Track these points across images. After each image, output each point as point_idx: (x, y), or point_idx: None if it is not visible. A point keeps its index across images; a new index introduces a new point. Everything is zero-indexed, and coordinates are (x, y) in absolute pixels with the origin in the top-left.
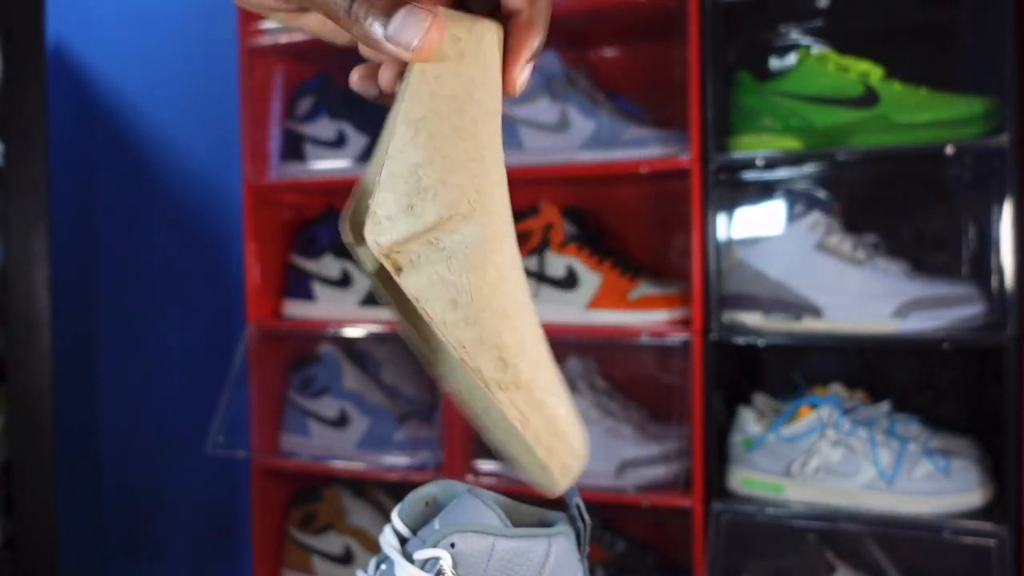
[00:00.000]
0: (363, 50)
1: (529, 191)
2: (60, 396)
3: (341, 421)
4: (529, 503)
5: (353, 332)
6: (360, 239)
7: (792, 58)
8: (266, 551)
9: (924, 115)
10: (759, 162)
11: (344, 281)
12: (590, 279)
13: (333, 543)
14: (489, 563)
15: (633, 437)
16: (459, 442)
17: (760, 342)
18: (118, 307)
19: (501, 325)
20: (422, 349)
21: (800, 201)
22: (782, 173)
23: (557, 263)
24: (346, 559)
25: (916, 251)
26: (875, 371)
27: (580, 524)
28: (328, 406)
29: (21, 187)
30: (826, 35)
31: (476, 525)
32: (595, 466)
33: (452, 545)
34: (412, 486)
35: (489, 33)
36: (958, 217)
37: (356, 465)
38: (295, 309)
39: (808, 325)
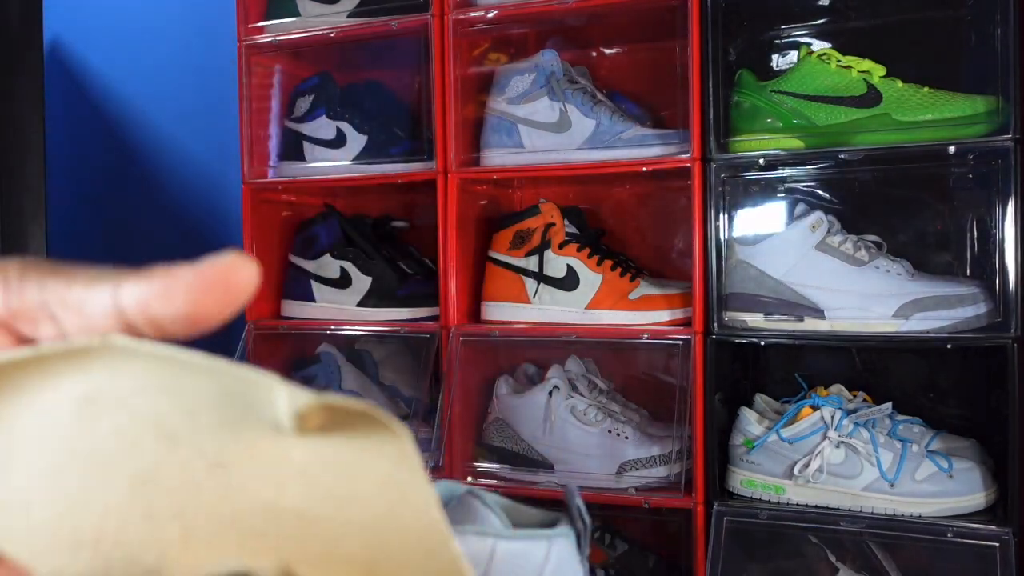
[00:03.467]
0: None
1: (529, 191)
2: None
3: None
4: (529, 504)
5: (352, 332)
6: None
7: (793, 57)
8: None
9: (926, 114)
10: (760, 162)
11: (343, 281)
12: (590, 279)
13: None
14: (489, 565)
15: (633, 438)
16: (459, 443)
17: (761, 342)
18: None
19: None
20: None
21: (802, 201)
22: (783, 173)
23: (557, 263)
24: None
25: (918, 251)
26: (877, 372)
27: (580, 525)
28: None
29: (17, 187)
30: (828, 34)
31: (476, 526)
32: (595, 467)
33: None
34: None
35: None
36: (960, 217)
37: None
38: (294, 309)
39: (809, 325)
